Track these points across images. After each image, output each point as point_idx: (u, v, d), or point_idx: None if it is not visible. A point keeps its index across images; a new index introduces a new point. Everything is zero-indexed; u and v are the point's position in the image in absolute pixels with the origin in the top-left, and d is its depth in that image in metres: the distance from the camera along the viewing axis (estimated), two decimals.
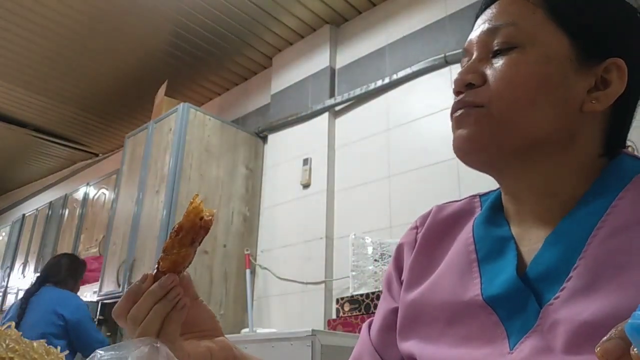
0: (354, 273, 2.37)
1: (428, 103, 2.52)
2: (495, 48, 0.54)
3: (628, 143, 0.59)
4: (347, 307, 2.34)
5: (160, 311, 0.50)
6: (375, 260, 2.34)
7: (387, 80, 2.72)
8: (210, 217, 0.52)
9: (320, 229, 2.70)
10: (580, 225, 0.49)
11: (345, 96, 2.88)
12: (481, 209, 0.62)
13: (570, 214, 0.51)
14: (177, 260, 0.51)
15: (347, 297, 2.35)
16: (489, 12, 0.57)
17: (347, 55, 3.07)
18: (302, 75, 3.20)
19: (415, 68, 2.61)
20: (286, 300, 2.75)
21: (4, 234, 5.47)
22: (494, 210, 0.59)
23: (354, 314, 2.28)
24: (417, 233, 0.65)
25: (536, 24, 0.53)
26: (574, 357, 0.42)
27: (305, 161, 2.92)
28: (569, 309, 0.44)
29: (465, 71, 0.55)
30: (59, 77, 3.84)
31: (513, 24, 0.54)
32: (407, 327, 0.58)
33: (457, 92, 0.56)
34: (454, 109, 0.56)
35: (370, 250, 2.38)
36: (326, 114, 2.94)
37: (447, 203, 0.66)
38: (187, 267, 0.53)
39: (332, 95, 2.99)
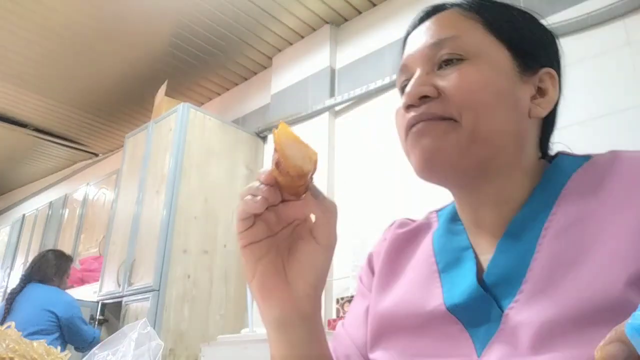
0: (354, 273, 2.37)
1: None
2: (444, 58, 0.54)
3: (561, 145, 0.61)
4: (347, 307, 2.34)
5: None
6: None
7: (387, 80, 2.72)
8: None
9: None
10: (528, 227, 0.51)
11: (345, 96, 2.88)
12: (438, 223, 0.63)
13: (516, 218, 0.52)
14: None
15: (347, 297, 2.35)
16: (425, 28, 0.58)
17: (347, 55, 3.07)
18: (302, 75, 3.20)
19: None
20: None
21: (4, 234, 5.46)
22: (452, 222, 0.60)
23: None
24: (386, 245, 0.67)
25: (478, 37, 0.55)
26: (541, 356, 0.43)
27: None
28: (529, 311, 0.45)
29: (417, 84, 0.54)
30: (59, 77, 3.84)
31: (457, 37, 0.55)
32: (376, 338, 0.59)
33: (408, 107, 0.55)
34: (411, 124, 0.54)
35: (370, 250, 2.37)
36: (326, 114, 2.94)
37: (408, 219, 0.68)
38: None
39: (332, 95, 2.99)
